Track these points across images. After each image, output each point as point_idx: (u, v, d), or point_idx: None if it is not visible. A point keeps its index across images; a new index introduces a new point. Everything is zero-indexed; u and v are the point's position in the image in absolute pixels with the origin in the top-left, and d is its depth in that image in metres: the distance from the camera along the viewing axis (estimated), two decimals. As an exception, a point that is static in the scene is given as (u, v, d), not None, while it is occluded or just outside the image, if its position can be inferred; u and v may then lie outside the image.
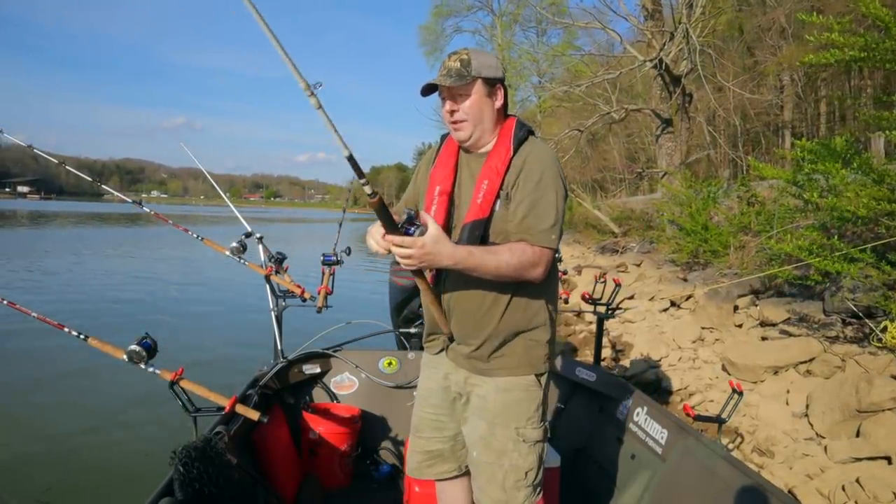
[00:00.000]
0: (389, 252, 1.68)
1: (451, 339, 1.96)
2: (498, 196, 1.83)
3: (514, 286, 1.83)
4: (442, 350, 2.02)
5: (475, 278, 1.77)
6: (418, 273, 1.76)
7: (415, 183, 2.12)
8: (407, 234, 1.62)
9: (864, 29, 4.37)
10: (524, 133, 1.89)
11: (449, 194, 1.93)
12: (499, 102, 1.90)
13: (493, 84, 1.87)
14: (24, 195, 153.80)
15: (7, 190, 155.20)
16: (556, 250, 1.96)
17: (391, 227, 1.62)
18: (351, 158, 1.51)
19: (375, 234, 1.70)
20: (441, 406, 2.06)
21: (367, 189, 1.57)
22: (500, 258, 1.72)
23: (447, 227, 1.90)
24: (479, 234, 1.83)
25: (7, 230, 31.72)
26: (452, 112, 1.86)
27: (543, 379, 1.96)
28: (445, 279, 1.90)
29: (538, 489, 1.98)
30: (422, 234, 1.62)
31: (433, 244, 1.62)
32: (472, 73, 1.81)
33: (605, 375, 3.49)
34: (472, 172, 1.91)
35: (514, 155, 1.85)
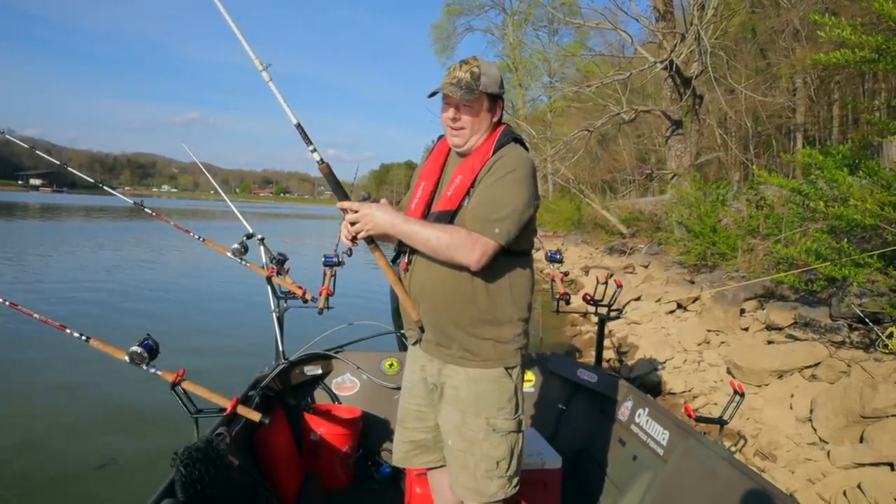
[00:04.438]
0: (353, 241, 1.87)
1: (423, 330, 2.01)
2: (468, 193, 1.91)
3: (478, 278, 1.88)
4: (416, 342, 2.08)
5: (440, 267, 1.87)
6: (374, 245, 1.89)
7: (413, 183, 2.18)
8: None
9: (879, 31, 4.32)
10: (507, 139, 1.95)
11: (431, 191, 2.03)
12: (496, 116, 1.98)
13: (495, 100, 1.96)
14: (36, 188, 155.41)
15: (20, 183, 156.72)
16: (532, 249, 2.03)
17: (341, 193, 1.84)
18: (299, 126, 1.79)
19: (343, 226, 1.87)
20: (422, 397, 2.11)
21: (316, 156, 1.82)
22: (431, 231, 1.81)
23: (423, 218, 1.98)
24: (444, 223, 1.90)
25: (16, 222, 31.92)
26: (455, 120, 1.93)
27: (515, 371, 1.99)
28: (414, 266, 1.97)
29: (514, 480, 2.00)
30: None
31: (377, 209, 1.80)
32: (480, 88, 1.88)
33: (606, 377, 3.48)
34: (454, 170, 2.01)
35: (492, 156, 1.92)
